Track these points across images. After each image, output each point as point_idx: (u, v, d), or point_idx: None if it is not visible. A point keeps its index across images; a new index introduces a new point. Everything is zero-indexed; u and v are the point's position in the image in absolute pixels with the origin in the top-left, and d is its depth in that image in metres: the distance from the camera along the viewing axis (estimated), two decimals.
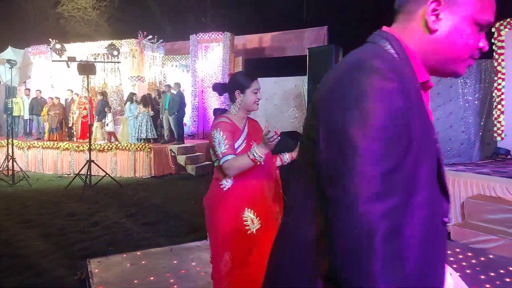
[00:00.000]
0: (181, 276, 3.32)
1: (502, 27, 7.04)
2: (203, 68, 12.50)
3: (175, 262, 3.63)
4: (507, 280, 3.22)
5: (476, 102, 9.17)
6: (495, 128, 7.27)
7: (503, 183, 4.27)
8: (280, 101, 12.16)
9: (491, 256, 3.76)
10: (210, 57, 12.47)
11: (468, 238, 4.04)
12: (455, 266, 3.48)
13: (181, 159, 9.30)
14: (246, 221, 2.09)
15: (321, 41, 12.40)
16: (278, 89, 12.20)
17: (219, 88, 2.33)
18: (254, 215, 2.10)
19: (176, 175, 9.28)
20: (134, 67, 12.08)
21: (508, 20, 6.94)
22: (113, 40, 12.25)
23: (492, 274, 3.29)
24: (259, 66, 13.79)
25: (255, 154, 2.01)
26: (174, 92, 10.30)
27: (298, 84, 11.74)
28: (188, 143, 10.33)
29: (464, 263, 3.55)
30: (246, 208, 2.10)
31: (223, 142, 2.08)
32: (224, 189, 2.12)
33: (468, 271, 3.40)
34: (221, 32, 12.10)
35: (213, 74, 12.38)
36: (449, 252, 3.86)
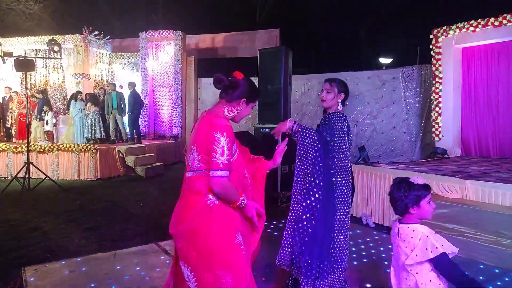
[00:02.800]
0: (124, 282, 3.19)
1: (439, 34, 7.53)
2: (153, 67, 12.17)
3: (118, 267, 3.48)
4: None
5: (417, 105, 9.72)
6: (433, 129, 7.75)
7: (439, 180, 4.55)
8: None
9: None
10: (161, 56, 12.17)
11: None
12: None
13: (130, 160, 8.98)
14: (240, 243, 1.92)
15: (274, 43, 12.54)
16: None
17: (225, 82, 1.99)
18: (241, 238, 1.95)
19: (125, 177, 8.94)
20: (79, 64, 11.48)
21: (445, 27, 7.43)
22: (55, 35, 11.55)
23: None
24: (212, 66, 13.70)
25: (243, 202, 1.93)
26: (129, 91, 9.99)
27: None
28: (140, 143, 9.99)
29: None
30: (236, 231, 1.93)
31: (227, 151, 1.82)
32: (211, 205, 1.88)
33: None
34: (172, 31, 11.86)
35: (165, 73, 12.10)
36: (389, 247, 4.05)
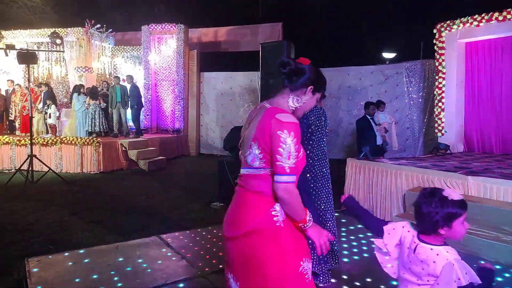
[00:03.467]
0: (126, 273, 3.22)
1: (442, 29, 7.48)
2: (156, 60, 12.16)
3: (120, 259, 3.51)
4: None
5: (420, 100, 9.69)
6: (436, 125, 7.72)
7: (441, 176, 4.55)
8: (235, 96, 12.13)
9: None
10: (163, 49, 12.14)
11: None
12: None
13: (133, 153, 9.01)
14: (305, 272, 1.66)
15: (276, 37, 12.49)
16: (233, 84, 12.16)
17: (292, 66, 1.72)
18: (308, 265, 1.68)
19: (127, 171, 8.98)
20: (81, 57, 11.48)
21: (448, 22, 7.38)
22: (58, 28, 11.54)
23: None
24: (214, 60, 13.67)
25: (310, 222, 1.66)
26: (128, 84, 10.03)
27: (253, 79, 11.77)
28: (140, 137, 10.03)
29: None
30: (303, 258, 1.66)
31: (294, 152, 1.58)
32: (277, 223, 1.62)
33: None
34: (174, 24, 11.82)
35: (167, 66, 12.08)
36: None
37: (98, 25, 11.67)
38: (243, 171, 1.73)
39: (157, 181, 7.85)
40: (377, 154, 6.17)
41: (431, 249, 1.57)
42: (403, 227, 1.75)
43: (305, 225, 1.65)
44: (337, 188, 5.70)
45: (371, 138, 6.57)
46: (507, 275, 3.27)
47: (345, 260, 3.58)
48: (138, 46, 12.46)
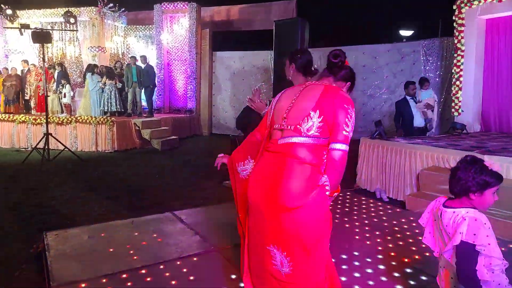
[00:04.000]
0: (141, 247, 3.29)
1: (462, 5, 7.21)
2: (168, 40, 12.10)
3: (136, 234, 3.59)
4: None
5: (437, 79, 9.47)
6: (453, 104, 7.55)
7: (457, 155, 4.46)
8: (248, 76, 12.05)
9: None
10: (176, 29, 12.06)
11: (421, 207, 4.23)
12: (408, 233, 3.66)
13: (146, 133, 9.09)
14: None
15: (290, 15, 12.24)
16: (246, 64, 12.05)
17: (342, 58, 1.94)
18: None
19: (141, 150, 9.09)
20: (94, 36, 11.50)
21: None
22: (71, 7, 11.54)
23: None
24: (227, 39, 13.52)
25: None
26: (142, 65, 10.02)
27: (266, 58, 11.64)
28: (153, 117, 10.10)
29: (417, 231, 3.73)
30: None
31: (351, 124, 1.75)
32: (327, 192, 1.70)
33: (419, 238, 3.57)
34: (187, 3, 11.69)
35: (180, 46, 12.02)
36: (403, 220, 4.05)
37: (111, 4, 11.62)
38: (287, 140, 1.78)
39: (170, 159, 7.94)
40: (416, 135, 6.10)
41: (454, 211, 1.68)
42: (435, 202, 1.85)
43: (337, 194, 1.81)
44: (350, 168, 5.70)
45: (407, 120, 6.38)
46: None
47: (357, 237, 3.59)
48: (150, 26, 12.40)
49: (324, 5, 18.42)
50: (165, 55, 12.06)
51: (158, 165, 7.37)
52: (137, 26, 12.77)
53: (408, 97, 6.42)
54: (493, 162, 1.66)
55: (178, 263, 2.98)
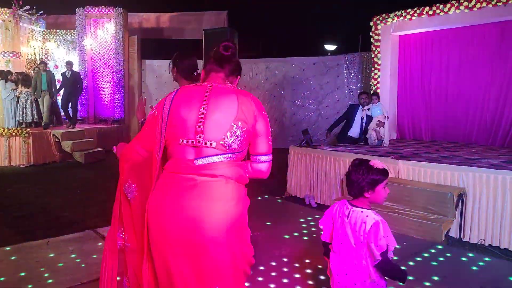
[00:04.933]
0: (58, 269, 3.02)
1: (378, 22, 7.83)
2: (92, 46, 11.46)
3: (51, 255, 3.29)
4: None
5: (358, 91, 10.12)
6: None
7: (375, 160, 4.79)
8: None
9: None
10: (100, 34, 11.48)
11: None
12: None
13: (67, 145, 8.45)
14: None
15: (221, 25, 12.33)
16: None
17: (233, 49, 1.70)
18: None
19: (61, 163, 8.42)
20: (8, 41, 10.49)
21: (384, 15, 7.74)
22: None
23: None
24: (156, 47, 13.21)
25: None
26: (69, 71, 9.25)
27: (198, 67, 11.54)
28: (76, 127, 9.42)
29: None
30: None
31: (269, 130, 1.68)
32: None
33: None
34: (112, 7, 11.20)
35: (105, 52, 11.45)
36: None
37: (27, 7, 10.70)
38: (207, 159, 1.53)
39: (94, 173, 7.46)
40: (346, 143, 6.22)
41: (362, 211, 1.81)
42: (333, 206, 1.96)
43: None
44: (281, 175, 5.83)
45: (345, 125, 6.48)
46: (433, 250, 3.54)
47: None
48: (72, 30, 11.65)
49: (255, 17, 18.86)
50: (89, 62, 11.39)
51: (81, 179, 6.88)
52: (58, 31, 11.92)
53: (360, 107, 6.40)
54: (377, 161, 1.84)
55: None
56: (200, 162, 1.53)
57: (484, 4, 6.26)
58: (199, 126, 1.54)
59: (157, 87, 11.97)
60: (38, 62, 11.13)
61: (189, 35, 12.71)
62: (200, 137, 1.54)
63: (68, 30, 11.83)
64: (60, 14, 12.64)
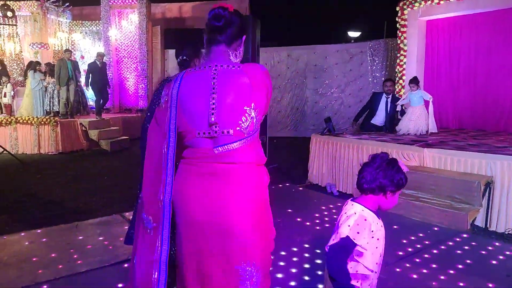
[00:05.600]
0: (86, 251, 3.15)
1: (405, 7, 7.61)
2: (117, 36, 11.66)
3: (80, 238, 3.42)
4: (395, 227, 3.60)
5: (382, 79, 9.90)
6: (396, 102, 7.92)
7: (399, 149, 4.70)
8: None
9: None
10: (124, 25, 11.66)
11: None
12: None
13: (94, 133, 8.69)
14: None
15: (243, 13, 12.25)
16: None
17: (227, 17, 1.56)
18: None
19: (88, 151, 8.68)
20: (36, 32, 10.81)
21: (411, 0, 7.50)
22: (9, 1, 10.77)
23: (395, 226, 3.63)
24: (180, 37, 13.27)
25: None
26: (99, 62, 9.38)
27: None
28: (102, 116, 9.65)
29: None
30: None
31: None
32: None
33: None
34: None
35: (129, 43, 11.64)
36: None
37: None
38: (226, 146, 1.49)
39: (120, 160, 7.66)
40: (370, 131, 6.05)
41: (352, 204, 1.62)
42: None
43: None
44: (302, 164, 5.81)
45: (369, 114, 6.35)
46: (458, 239, 3.48)
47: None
48: (97, 21, 11.88)
49: (276, 6, 18.68)
50: (113, 52, 11.61)
51: (107, 166, 7.08)
52: (83, 22, 12.19)
53: (384, 94, 6.20)
54: (403, 164, 1.65)
55: (126, 265, 2.88)
56: (219, 150, 1.50)
57: None
58: (212, 117, 1.48)
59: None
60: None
61: None
62: (215, 127, 1.49)
63: (93, 21, 12.07)
64: (85, 5, 12.89)
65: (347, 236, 1.53)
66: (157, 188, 1.54)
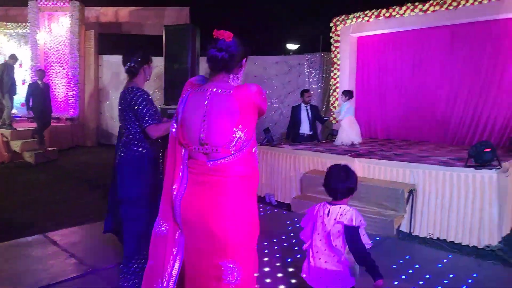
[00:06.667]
0: (3, 277, 2.85)
1: (338, 23, 8.02)
2: (46, 40, 10.90)
3: None
4: None
5: (319, 90, 10.33)
6: (331, 113, 8.30)
7: (333, 158, 4.89)
8: None
9: None
10: (55, 28, 10.93)
11: (305, 208, 4.51)
12: (292, 234, 3.86)
13: (16, 145, 7.97)
14: None
15: (183, 21, 12.08)
16: None
17: (226, 58, 1.77)
18: None
19: (11, 164, 7.94)
20: None
21: (343, 16, 7.93)
22: None
23: None
24: (115, 42, 12.76)
25: None
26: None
27: (158, 64, 11.27)
28: (26, 126, 8.90)
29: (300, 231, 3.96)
30: None
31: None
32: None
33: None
34: (68, 0, 10.70)
35: (59, 48, 10.91)
36: (288, 222, 4.26)
37: None
38: (217, 161, 1.72)
39: (46, 174, 7.10)
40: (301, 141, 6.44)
41: (340, 207, 2.06)
42: (314, 208, 2.20)
43: None
44: None
45: (295, 126, 6.79)
46: (385, 245, 3.67)
47: None
48: (24, 24, 11.02)
49: (217, 15, 18.72)
50: (42, 57, 10.82)
51: (31, 180, 6.53)
52: (8, 24, 11.23)
53: (302, 104, 6.78)
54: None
55: None
56: (211, 163, 1.73)
57: (437, 7, 6.56)
58: (202, 136, 1.72)
59: (115, 83, 11.58)
60: None
61: (149, 30, 12.39)
62: (206, 145, 1.73)
63: (19, 24, 11.17)
64: (10, 6, 11.90)
65: (351, 226, 1.97)
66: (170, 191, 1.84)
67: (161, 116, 2.64)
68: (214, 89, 1.75)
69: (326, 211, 2.08)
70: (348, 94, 6.16)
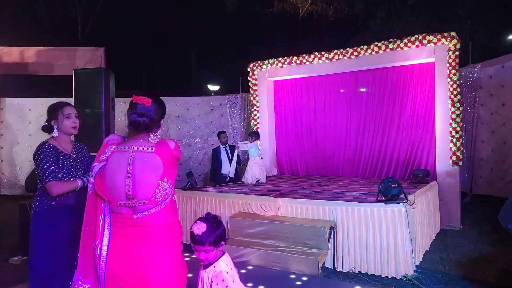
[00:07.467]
0: None
1: (254, 68, 8.44)
2: None
3: None
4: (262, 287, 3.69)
5: (242, 130, 10.58)
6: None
7: (257, 200, 4.97)
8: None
9: (249, 267, 4.26)
10: None
11: (232, 253, 4.45)
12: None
13: None
14: None
15: (98, 63, 11.68)
16: (44, 112, 10.65)
17: (148, 123, 1.95)
18: None
19: None
20: None
21: (259, 62, 8.38)
22: None
23: (250, 284, 3.68)
24: (20, 83, 11.80)
25: None
26: None
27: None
28: None
29: None
30: None
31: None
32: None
33: None
34: None
35: None
36: None
37: None
38: (144, 213, 1.84)
39: None
40: (223, 182, 6.56)
41: (214, 266, 2.05)
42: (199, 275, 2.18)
43: None
44: None
45: (216, 167, 6.99)
46: (310, 283, 3.75)
47: None
48: None
49: (137, 55, 18.48)
50: None
51: None
52: None
53: (221, 146, 7.05)
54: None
55: None
56: (138, 216, 1.84)
57: (341, 56, 7.28)
58: (129, 193, 1.82)
59: (21, 128, 10.58)
60: None
61: (60, 71, 11.66)
62: (132, 200, 1.83)
63: None
64: None
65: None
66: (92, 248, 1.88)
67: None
68: (136, 148, 1.89)
69: (209, 278, 2.07)
70: (255, 135, 6.60)
